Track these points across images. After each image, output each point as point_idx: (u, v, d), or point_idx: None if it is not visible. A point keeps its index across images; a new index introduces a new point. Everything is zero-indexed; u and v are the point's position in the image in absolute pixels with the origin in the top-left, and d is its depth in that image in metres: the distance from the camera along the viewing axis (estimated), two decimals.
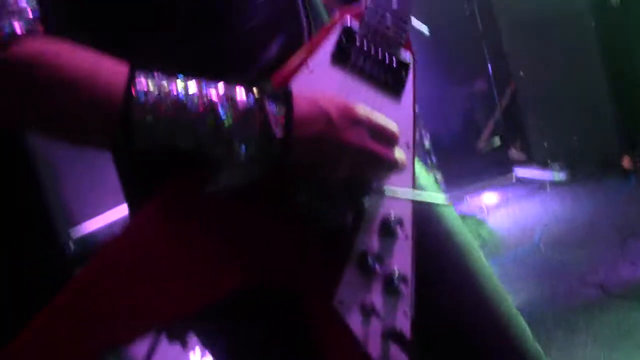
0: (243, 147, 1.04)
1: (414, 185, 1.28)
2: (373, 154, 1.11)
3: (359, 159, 1.11)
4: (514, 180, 5.54)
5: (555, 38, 5.30)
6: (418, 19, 4.81)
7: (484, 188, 5.42)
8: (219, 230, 1.09)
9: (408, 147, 1.24)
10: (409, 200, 1.24)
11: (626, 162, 5.07)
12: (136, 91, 1.01)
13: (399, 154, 1.15)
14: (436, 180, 4.55)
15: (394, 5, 1.26)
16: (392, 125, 1.14)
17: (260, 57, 1.21)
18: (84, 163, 2.38)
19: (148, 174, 1.12)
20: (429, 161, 4.56)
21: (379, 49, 1.24)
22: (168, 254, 1.07)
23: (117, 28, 1.15)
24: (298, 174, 1.10)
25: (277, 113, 1.05)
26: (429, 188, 1.40)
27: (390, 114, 1.18)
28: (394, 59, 1.25)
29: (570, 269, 3.73)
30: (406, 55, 1.27)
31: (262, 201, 1.11)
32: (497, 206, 5.03)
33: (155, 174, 1.09)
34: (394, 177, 1.19)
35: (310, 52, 1.20)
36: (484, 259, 1.41)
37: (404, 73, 1.26)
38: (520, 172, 5.58)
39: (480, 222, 4.79)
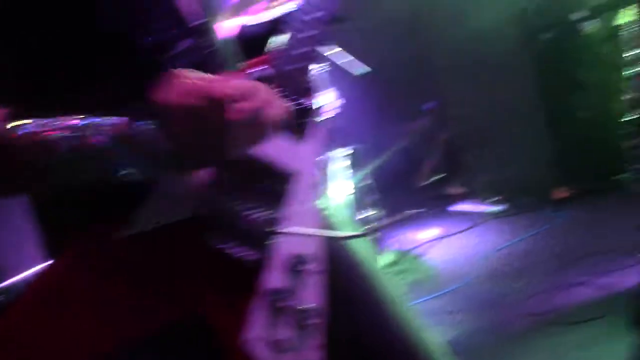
0: (137, 164, 1.07)
1: (325, 221, 1.34)
2: (255, 113, 1.11)
3: (247, 123, 1.10)
4: (453, 214, 5.64)
5: (493, 74, 5.45)
6: (361, 57, 4.91)
7: (423, 223, 5.52)
8: (136, 271, 1.13)
9: (314, 187, 1.30)
10: (318, 236, 1.29)
11: (561, 193, 5.22)
12: (24, 135, 1.03)
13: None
14: (370, 216, 4.58)
15: (300, 53, 1.32)
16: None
17: None
18: (9, 220, 2.39)
19: (65, 226, 1.15)
20: (370, 197, 4.62)
21: (286, 95, 1.30)
22: (86, 297, 1.10)
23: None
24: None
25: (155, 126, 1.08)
26: (340, 222, 1.46)
27: (297, 156, 1.25)
28: (300, 104, 1.31)
29: (508, 299, 3.80)
30: (311, 100, 1.33)
31: (177, 241, 1.15)
32: (438, 240, 5.10)
33: (73, 225, 1.12)
34: (303, 215, 1.24)
35: None
36: (391, 287, 1.47)
37: (309, 117, 1.33)
38: (460, 206, 5.68)
39: (421, 257, 4.85)
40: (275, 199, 1.23)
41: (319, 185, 1.33)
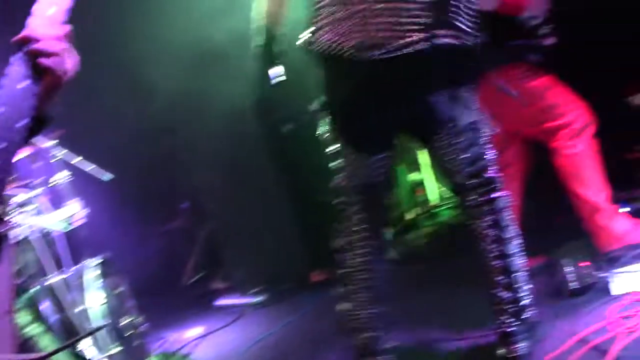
0: None
1: (23, 342, 1.36)
2: None
3: None
4: (218, 309, 5.69)
5: (243, 169, 5.64)
6: (104, 165, 4.89)
7: (187, 322, 5.52)
8: None
9: (7, 314, 1.31)
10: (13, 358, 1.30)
11: (317, 276, 5.45)
12: None
13: None
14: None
15: None
16: None
17: None
18: None
19: None
20: (127, 304, 4.55)
21: None
22: None
23: None
24: None
25: None
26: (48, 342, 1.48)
27: None
28: None
29: None
30: (2, 228, 1.35)
31: None
32: (203, 337, 5.10)
33: None
34: None
35: None
36: None
37: None
38: (224, 300, 5.75)
39: (187, 356, 4.81)
40: None
41: (12, 308, 1.34)
